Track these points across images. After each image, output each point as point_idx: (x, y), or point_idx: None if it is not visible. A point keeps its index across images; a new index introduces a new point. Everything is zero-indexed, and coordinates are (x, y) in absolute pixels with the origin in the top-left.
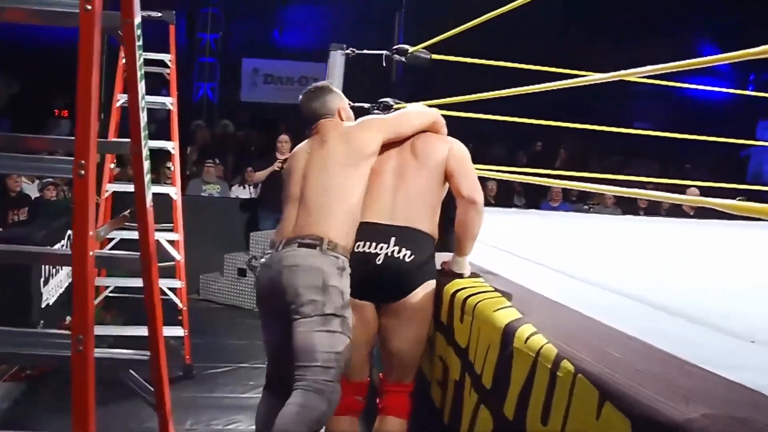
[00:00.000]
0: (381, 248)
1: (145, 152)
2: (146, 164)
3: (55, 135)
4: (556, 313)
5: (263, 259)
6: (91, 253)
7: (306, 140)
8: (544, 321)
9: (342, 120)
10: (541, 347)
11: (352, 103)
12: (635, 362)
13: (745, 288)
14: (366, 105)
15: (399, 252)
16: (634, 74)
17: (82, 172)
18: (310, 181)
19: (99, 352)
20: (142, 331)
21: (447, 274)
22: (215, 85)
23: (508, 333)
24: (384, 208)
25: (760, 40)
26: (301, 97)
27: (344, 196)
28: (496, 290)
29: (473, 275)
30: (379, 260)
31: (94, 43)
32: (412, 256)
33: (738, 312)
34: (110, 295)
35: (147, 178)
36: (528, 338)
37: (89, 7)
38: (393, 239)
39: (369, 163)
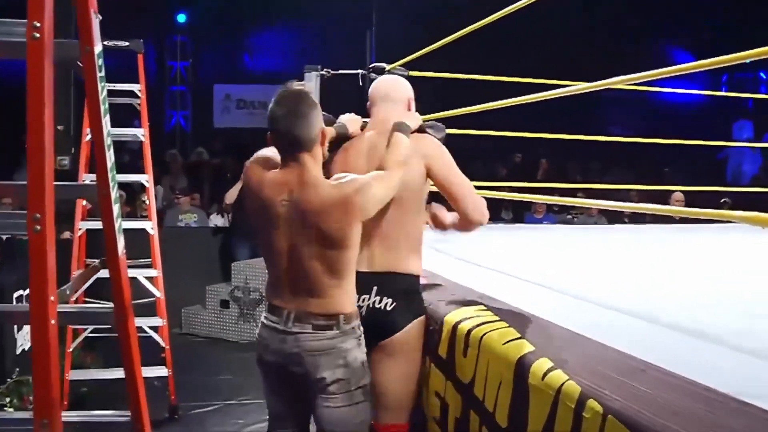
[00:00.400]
0: (363, 300)
1: (114, 194)
2: (116, 208)
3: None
4: (570, 343)
5: (266, 320)
6: (52, 320)
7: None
8: (559, 353)
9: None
10: (561, 385)
11: (331, 72)
12: (671, 399)
13: (757, 299)
14: (360, 71)
15: (380, 302)
16: (611, 84)
17: (38, 227)
18: (298, 246)
19: (73, 416)
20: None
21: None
22: (188, 113)
23: (522, 368)
24: (363, 254)
25: (733, 45)
26: (272, 106)
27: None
28: (502, 319)
29: (473, 303)
30: (362, 312)
31: (45, 76)
32: (394, 304)
33: (757, 329)
34: (90, 335)
35: (117, 223)
36: (545, 374)
37: (37, 35)
38: (374, 289)
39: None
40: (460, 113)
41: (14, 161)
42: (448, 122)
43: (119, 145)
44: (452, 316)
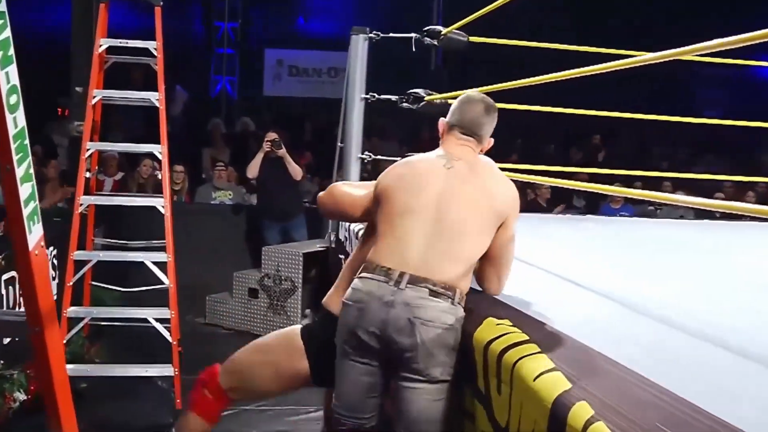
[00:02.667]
0: None
1: (22, 170)
2: (26, 187)
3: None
4: (615, 379)
5: (364, 285)
6: None
7: (438, 151)
8: (602, 393)
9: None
10: None
11: (376, 96)
12: None
13: None
14: (393, 97)
15: None
16: (691, 52)
17: None
18: (451, 204)
19: None
20: (129, 369)
21: None
22: (235, 78)
23: (558, 415)
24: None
25: None
26: (468, 95)
27: (479, 241)
28: (532, 340)
29: (501, 318)
30: None
31: None
32: None
33: None
34: (96, 323)
35: (29, 208)
36: (586, 427)
37: None
38: None
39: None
40: (532, 83)
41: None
42: (519, 97)
43: (134, 111)
44: (482, 333)
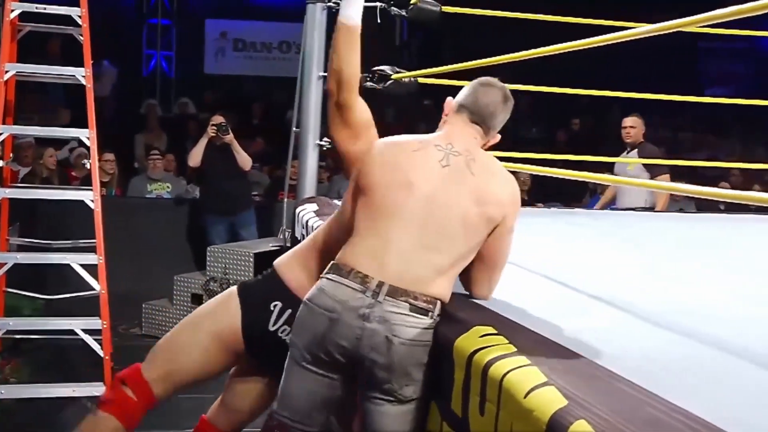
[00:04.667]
0: None
1: None
2: None
3: None
4: (619, 395)
5: (335, 290)
6: None
7: (437, 135)
8: (604, 410)
9: (484, 146)
10: None
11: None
12: None
13: None
14: (378, 4)
15: None
16: (696, 23)
17: None
18: (441, 209)
19: None
20: (53, 390)
21: None
22: (171, 54)
23: None
24: None
25: None
26: (487, 79)
27: (468, 243)
28: (519, 350)
29: (486, 326)
30: None
31: None
32: None
33: None
34: (12, 336)
35: None
36: None
37: None
38: None
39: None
40: (510, 59)
41: None
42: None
43: (59, 89)
44: (466, 341)
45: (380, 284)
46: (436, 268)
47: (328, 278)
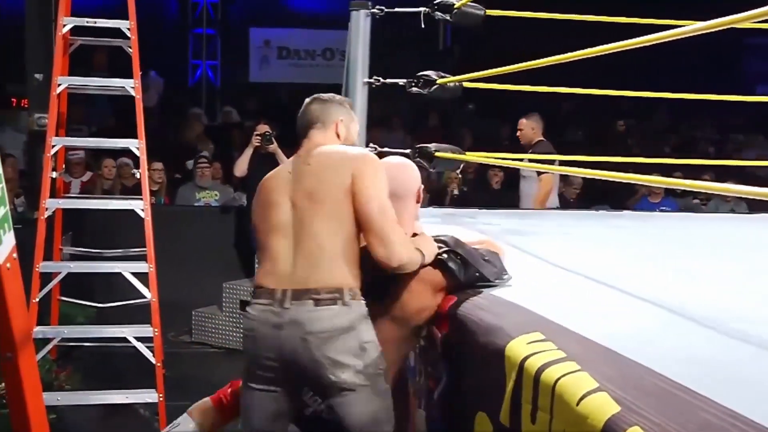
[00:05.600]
0: None
1: None
2: None
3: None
4: (673, 400)
5: (253, 311)
6: None
7: (289, 159)
8: (658, 417)
9: (338, 137)
10: None
11: (381, 80)
12: None
13: None
14: (401, 81)
15: None
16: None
17: None
18: (301, 206)
19: None
20: (106, 396)
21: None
22: (216, 63)
23: None
24: None
25: None
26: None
27: (344, 225)
28: (569, 356)
29: (534, 332)
30: None
31: None
32: None
33: None
34: (66, 344)
35: (0, 213)
36: None
37: None
38: None
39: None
40: (555, 62)
41: None
42: (540, 78)
43: (105, 100)
44: (517, 347)
45: (284, 292)
46: (322, 257)
47: (249, 305)
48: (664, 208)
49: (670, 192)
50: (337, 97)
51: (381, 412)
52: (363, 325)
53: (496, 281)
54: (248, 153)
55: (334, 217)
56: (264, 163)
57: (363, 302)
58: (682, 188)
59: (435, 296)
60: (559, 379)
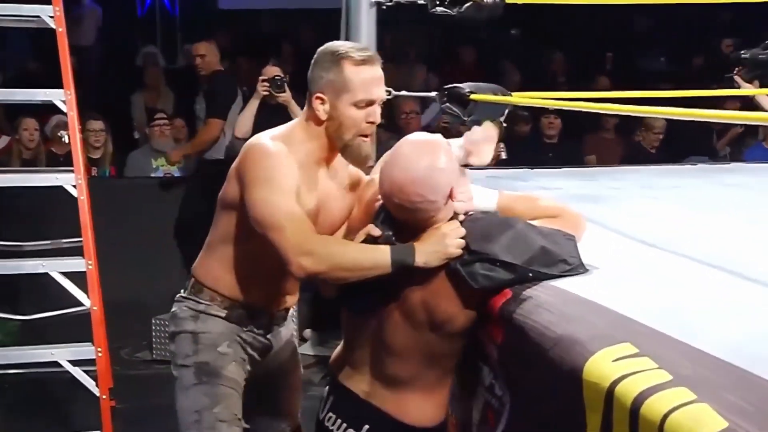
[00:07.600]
0: None
1: None
2: None
3: None
4: None
5: None
6: None
7: None
8: None
9: (316, 122)
10: None
11: (393, 91)
12: None
13: None
14: (432, 94)
15: None
16: None
17: None
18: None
19: None
20: None
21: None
22: None
23: None
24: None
25: None
26: None
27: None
28: (677, 378)
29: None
30: None
31: None
32: None
33: None
34: None
35: None
36: None
37: None
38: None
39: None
40: None
41: None
42: None
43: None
44: (601, 367)
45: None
46: (207, 251)
47: None
48: None
49: None
50: (328, 47)
51: (182, 412)
52: (185, 316)
53: (563, 275)
54: (253, 106)
55: (224, 203)
56: (273, 117)
57: (204, 302)
58: None
59: (467, 302)
60: (668, 414)
